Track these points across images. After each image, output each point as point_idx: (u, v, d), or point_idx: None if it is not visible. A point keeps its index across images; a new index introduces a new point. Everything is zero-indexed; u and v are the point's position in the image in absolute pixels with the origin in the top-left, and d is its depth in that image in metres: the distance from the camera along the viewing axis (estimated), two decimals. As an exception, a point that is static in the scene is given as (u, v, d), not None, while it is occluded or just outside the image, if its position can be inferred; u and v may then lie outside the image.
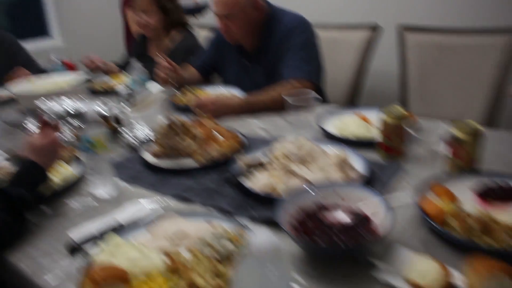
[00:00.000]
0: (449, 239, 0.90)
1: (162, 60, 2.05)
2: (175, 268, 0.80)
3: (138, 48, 2.71)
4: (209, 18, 3.21)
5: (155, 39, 2.58)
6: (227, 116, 1.72)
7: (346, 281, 0.83)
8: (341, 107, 1.75)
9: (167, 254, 0.85)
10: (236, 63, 2.14)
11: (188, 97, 1.94)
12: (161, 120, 1.38)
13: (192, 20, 3.05)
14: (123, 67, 2.59)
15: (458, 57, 2.24)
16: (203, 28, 2.89)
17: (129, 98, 1.71)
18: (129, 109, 1.61)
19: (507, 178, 1.08)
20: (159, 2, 2.44)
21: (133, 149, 1.47)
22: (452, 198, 1.02)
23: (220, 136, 1.38)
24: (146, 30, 2.53)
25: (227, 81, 2.22)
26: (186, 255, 0.85)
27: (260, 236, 0.53)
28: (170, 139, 1.33)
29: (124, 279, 0.76)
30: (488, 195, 1.04)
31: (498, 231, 0.88)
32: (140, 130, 1.50)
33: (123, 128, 1.54)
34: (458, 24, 2.28)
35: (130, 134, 1.49)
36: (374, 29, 2.39)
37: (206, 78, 2.32)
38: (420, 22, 2.38)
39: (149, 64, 2.24)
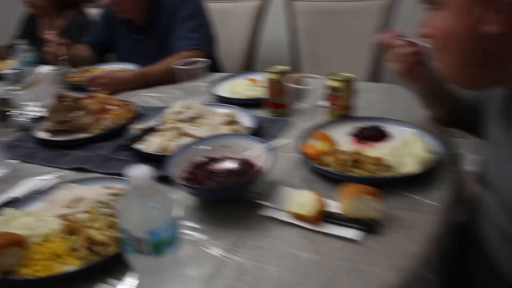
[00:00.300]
0: (325, 173, 1.00)
1: (51, 36, 1.98)
2: (72, 228, 0.83)
3: (27, 27, 2.59)
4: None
5: (46, 18, 2.48)
6: (120, 90, 1.72)
7: (234, 220, 0.91)
8: (232, 74, 1.82)
9: (63, 217, 0.87)
10: (128, 38, 2.13)
11: (81, 75, 1.91)
12: (52, 97, 1.36)
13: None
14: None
15: (342, 20, 2.40)
16: (94, 7, 2.82)
17: (17, 79, 1.66)
18: (17, 91, 1.56)
19: (377, 122, 1.21)
20: None
21: (25, 129, 1.43)
22: (329, 141, 1.13)
23: (113, 107, 1.39)
24: (33, 9, 2.42)
25: (120, 57, 2.20)
26: (82, 216, 0.88)
27: (138, 172, 0.57)
28: (62, 115, 1.33)
29: (20, 243, 0.78)
30: (361, 136, 1.17)
31: (367, 163, 1.00)
32: (31, 109, 1.46)
33: (12, 110, 1.49)
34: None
35: (21, 115, 1.46)
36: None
37: (100, 56, 2.27)
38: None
39: (40, 44, 2.16)
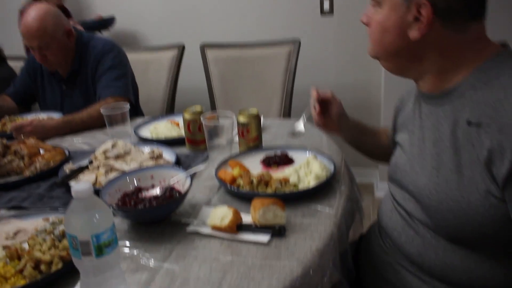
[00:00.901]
0: (239, 193, 1.18)
1: None
2: (16, 254, 0.93)
3: None
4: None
5: None
6: (47, 137, 1.81)
7: (164, 237, 1.05)
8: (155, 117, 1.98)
9: (5, 246, 0.97)
10: (53, 88, 2.24)
11: (5, 125, 1.98)
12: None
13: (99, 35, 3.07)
14: None
15: (252, 66, 2.65)
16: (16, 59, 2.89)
17: None
18: None
19: (283, 149, 1.42)
20: None
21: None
22: (243, 167, 1.32)
23: (43, 151, 1.50)
24: None
25: (46, 107, 2.29)
26: (24, 242, 0.98)
27: (82, 187, 0.72)
28: (-7, 160, 1.41)
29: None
30: (269, 162, 1.37)
31: (273, 182, 1.19)
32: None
33: None
34: (249, 40, 2.70)
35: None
36: (180, 48, 2.69)
37: (24, 107, 2.35)
38: (219, 40, 2.76)
39: None
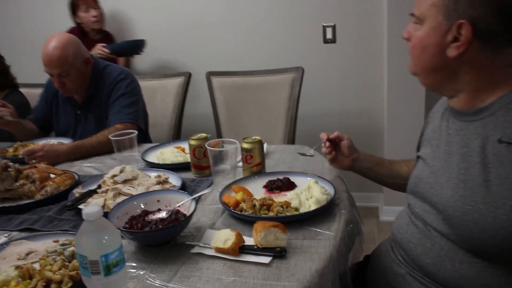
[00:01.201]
0: (242, 216, 1.23)
1: None
2: (28, 273, 0.97)
3: None
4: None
5: None
6: (58, 162, 1.87)
7: (170, 259, 1.09)
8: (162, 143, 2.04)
9: (18, 266, 1.02)
10: (67, 113, 2.32)
11: (17, 150, 2.05)
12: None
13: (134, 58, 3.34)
14: None
15: (256, 93, 2.72)
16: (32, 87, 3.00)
17: None
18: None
19: (286, 175, 1.47)
20: None
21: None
22: (246, 192, 1.37)
23: (54, 175, 1.55)
24: None
25: (61, 131, 2.37)
26: (36, 263, 1.03)
27: (92, 210, 0.77)
28: (6, 183, 1.47)
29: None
30: (272, 187, 1.42)
31: (274, 206, 1.24)
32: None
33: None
34: (255, 68, 2.78)
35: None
36: (187, 76, 2.78)
37: (45, 132, 2.46)
38: (225, 68, 2.84)
39: None
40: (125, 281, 0.83)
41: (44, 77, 2.34)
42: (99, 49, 3.03)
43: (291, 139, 2.62)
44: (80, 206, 1.35)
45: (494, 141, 0.97)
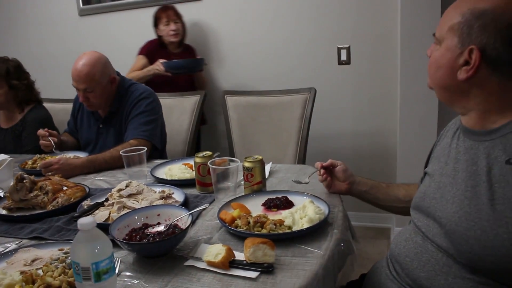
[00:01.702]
0: (236, 232, 1.29)
1: (41, 132, 2.35)
2: (30, 279, 1.05)
3: None
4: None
5: (6, 111, 2.79)
6: (72, 174, 1.98)
7: (164, 270, 1.15)
8: (172, 160, 2.13)
9: (23, 272, 1.10)
10: (91, 125, 2.46)
11: (36, 162, 2.16)
12: (11, 179, 1.61)
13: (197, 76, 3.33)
14: None
15: (269, 113, 2.78)
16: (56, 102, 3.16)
17: None
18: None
19: (285, 194, 1.53)
20: (8, 81, 2.67)
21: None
22: (244, 209, 1.43)
23: (66, 188, 1.65)
24: None
25: (83, 143, 2.52)
26: (40, 269, 1.11)
27: (86, 221, 0.84)
28: (21, 194, 1.57)
29: (-12, 290, 0.99)
30: (269, 205, 1.47)
31: (267, 223, 1.29)
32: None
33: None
34: (269, 88, 2.86)
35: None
36: (202, 94, 2.87)
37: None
38: (238, 88, 2.93)
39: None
40: (115, 288, 0.90)
41: (67, 93, 2.47)
42: (157, 65, 3.08)
43: (301, 159, 2.67)
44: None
45: (502, 162, 1.01)
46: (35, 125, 2.64)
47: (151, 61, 3.17)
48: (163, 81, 3.15)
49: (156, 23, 3.25)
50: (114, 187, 1.64)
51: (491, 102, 1.09)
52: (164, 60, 3.06)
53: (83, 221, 0.84)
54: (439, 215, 1.13)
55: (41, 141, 2.37)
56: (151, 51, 3.25)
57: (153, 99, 2.38)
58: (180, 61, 3.12)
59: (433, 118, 2.77)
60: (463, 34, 1.06)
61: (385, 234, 3.21)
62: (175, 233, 1.21)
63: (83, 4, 3.65)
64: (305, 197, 1.49)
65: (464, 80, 1.08)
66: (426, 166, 1.35)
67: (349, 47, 3.15)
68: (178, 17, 3.22)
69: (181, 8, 3.27)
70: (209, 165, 1.53)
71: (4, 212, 1.58)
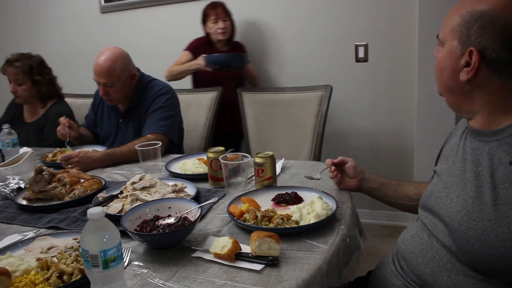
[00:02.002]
0: (244, 226, 1.32)
1: (63, 120, 2.41)
2: (46, 265, 1.11)
3: (13, 112, 2.97)
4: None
5: (29, 106, 2.88)
6: (91, 167, 2.04)
7: (172, 260, 1.19)
8: (187, 154, 2.17)
9: (39, 259, 1.15)
10: (110, 120, 2.53)
11: (56, 155, 2.24)
12: (33, 171, 1.67)
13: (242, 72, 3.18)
14: None
15: (286, 109, 2.81)
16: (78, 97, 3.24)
17: (0, 158, 1.98)
18: (1, 167, 1.87)
19: (294, 189, 1.55)
20: (31, 77, 2.75)
21: (6, 198, 1.73)
22: (254, 204, 1.46)
23: (83, 180, 1.71)
24: (17, 98, 2.82)
25: (103, 137, 2.58)
26: (54, 257, 1.16)
27: (95, 211, 0.88)
28: (40, 185, 1.63)
29: (6, 273, 1.05)
30: (279, 200, 1.50)
31: (275, 218, 1.32)
32: (12, 182, 1.75)
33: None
34: (286, 85, 2.88)
35: (3, 186, 1.74)
36: (219, 91, 2.91)
37: (96, 137, 2.69)
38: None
39: (24, 128, 2.56)
40: (122, 276, 0.94)
41: (88, 88, 2.54)
42: (198, 59, 3.00)
43: (316, 156, 2.69)
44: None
45: (506, 163, 1.02)
46: (57, 120, 2.71)
47: (196, 58, 3.07)
48: (208, 78, 3.10)
49: (205, 20, 3.18)
50: (129, 180, 1.69)
51: (495, 103, 1.09)
52: (205, 55, 2.97)
53: (92, 211, 0.88)
54: (443, 214, 1.14)
55: (59, 128, 2.43)
56: (198, 48, 3.16)
57: (172, 95, 2.43)
58: (220, 56, 2.98)
59: (451, 117, 2.75)
60: (462, 36, 1.07)
61: (400, 233, 3.20)
62: (184, 225, 1.25)
63: (105, 2, 3.72)
64: (313, 193, 1.51)
65: (466, 82, 1.09)
66: (436, 165, 1.36)
67: (366, 44, 3.15)
68: (226, 14, 3.14)
69: (198, 4, 3.30)
70: (220, 160, 1.56)
71: (24, 202, 1.65)
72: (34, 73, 2.78)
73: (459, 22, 1.08)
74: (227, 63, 2.96)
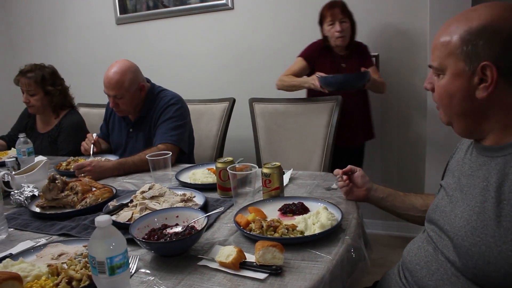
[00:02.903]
0: (250, 235, 1.34)
1: (90, 136, 2.51)
2: (56, 271, 1.14)
3: (27, 122, 3.03)
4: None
5: (41, 116, 2.94)
6: (103, 177, 2.09)
7: (178, 268, 1.22)
8: (197, 164, 2.21)
9: (49, 265, 1.19)
10: (121, 129, 2.58)
11: (70, 164, 2.29)
12: (46, 179, 1.72)
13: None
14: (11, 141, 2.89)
15: (296, 120, 2.83)
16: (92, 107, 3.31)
17: (15, 166, 2.04)
18: (15, 174, 1.92)
19: (301, 200, 1.57)
20: (43, 87, 2.82)
21: (21, 205, 1.77)
22: (260, 214, 1.48)
23: (94, 188, 1.75)
24: (29, 108, 2.89)
25: (114, 146, 2.64)
26: (64, 263, 1.20)
27: (102, 219, 0.92)
28: (53, 193, 1.68)
29: (17, 278, 1.08)
30: (285, 210, 1.52)
31: (280, 228, 1.34)
32: (27, 189, 1.80)
33: (11, 190, 1.84)
34: (293, 96, 2.91)
35: (18, 194, 1.79)
36: (231, 101, 2.95)
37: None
38: (265, 95, 2.98)
39: (36, 138, 2.64)
40: (128, 282, 0.97)
41: (103, 99, 2.60)
42: (313, 79, 2.67)
43: (327, 166, 2.70)
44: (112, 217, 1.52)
45: None
46: (70, 130, 2.79)
47: (311, 65, 2.84)
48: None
49: (321, 21, 2.83)
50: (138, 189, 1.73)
51: (509, 117, 1.08)
52: (321, 74, 2.61)
53: (100, 219, 0.91)
54: (447, 229, 1.14)
55: (84, 143, 2.51)
56: (312, 54, 2.87)
57: (181, 105, 2.47)
58: (337, 77, 2.60)
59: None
60: (468, 54, 1.06)
61: (411, 244, 3.19)
62: (190, 234, 1.28)
63: (120, 13, 3.80)
64: (320, 204, 1.53)
65: (485, 98, 1.07)
66: (442, 178, 1.37)
67: (377, 55, 3.16)
68: (345, 15, 2.73)
69: (209, 16, 3.35)
70: (228, 170, 1.59)
71: (38, 209, 1.69)
72: (47, 84, 2.84)
73: (459, 43, 1.07)
74: (345, 84, 2.60)
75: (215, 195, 1.77)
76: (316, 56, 2.85)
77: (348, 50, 2.86)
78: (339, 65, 2.85)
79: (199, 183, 1.86)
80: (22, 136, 2.27)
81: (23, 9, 4.34)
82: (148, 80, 2.53)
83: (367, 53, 2.93)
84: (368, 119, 3.07)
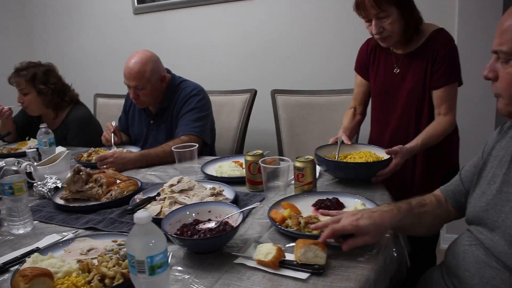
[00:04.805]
0: (286, 232, 1.28)
1: (109, 125, 2.46)
2: (87, 267, 1.09)
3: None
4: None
5: (43, 117, 2.87)
6: (126, 168, 2.03)
7: (214, 267, 1.16)
8: (222, 157, 2.14)
9: (79, 260, 1.13)
10: (141, 121, 2.52)
11: (91, 155, 2.24)
12: (71, 171, 1.67)
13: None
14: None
15: (320, 112, 2.76)
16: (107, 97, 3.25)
17: (36, 157, 1.99)
18: (38, 165, 1.87)
19: (336, 195, 1.50)
20: (35, 85, 2.72)
21: (44, 197, 1.72)
22: (294, 209, 1.41)
23: (119, 181, 1.69)
24: (25, 109, 2.82)
25: (134, 138, 2.58)
26: (94, 259, 1.14)
27: (142, 215, 0.85)
28: (78, 186, 1.62)
29: (48, 275, 1.03)
30: (320, 206, 1.45)
31: (319, 225, 1.27)
32: (50, 181, 1.75)
33: (34, 180, 1.79)
34: (316, 88, 2.83)
35: (41, 185, 1.74)
36: (253, 93, 2.87)
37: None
38: (287, 87, 2.91)
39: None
40: (168, 283, 0.91)
41: (121, 89, 2.54)
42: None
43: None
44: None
45: None
46: (77, 126, 2.72)
47: (367, 77, 2.20)
48: None
49: None
50: (165, 182, 1.67)
51: None
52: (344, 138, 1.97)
53: (139, 215, 0.85)
54: (509, 233, 1.04)
55: (104, 134, 2.46)
56: (360, 63, 2.23)
57: (203, 96, 2.41)
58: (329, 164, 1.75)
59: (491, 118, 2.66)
60: None
61: (441, 242, 3.11)
62: (225, 231, 1.21)
63: (138, 3, 3.73)
64: (357, 199, 1.46)
65: None
66: (481, 169, 1.23)
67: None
68: (382, 6, 1.77)
69: (230, 6, 3.26)
70: (260, 163, 1.53)
71: (62, 202, 1.64)
72: (38, 82, 2.71)
73: None
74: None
75: (243, 189, 1.70)
76: (365, 63, 2.16)
77: (408, 45, 1.95)
78: (391, 71, 2.03)
79: (226, 176, 1.80)
80: (43, 126, 2.22)
81: (40, 1, 4.29)
82: (168, 71, 2.47)
83: (441, 51, 1.87)
84: None
